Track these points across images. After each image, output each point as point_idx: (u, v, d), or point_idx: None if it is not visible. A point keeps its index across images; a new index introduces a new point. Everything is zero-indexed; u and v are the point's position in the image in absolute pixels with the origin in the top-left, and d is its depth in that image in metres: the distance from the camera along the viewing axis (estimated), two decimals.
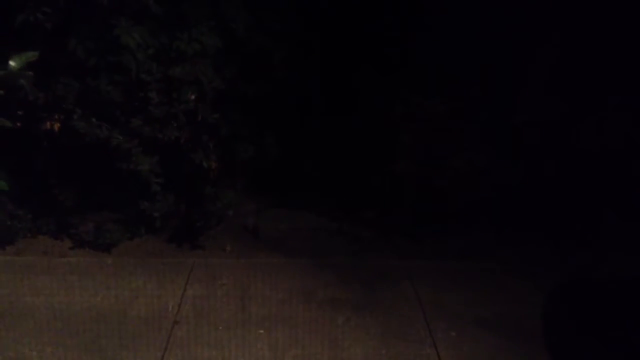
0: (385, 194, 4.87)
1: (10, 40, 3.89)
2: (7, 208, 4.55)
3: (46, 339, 3.52)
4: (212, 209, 4.66)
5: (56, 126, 4.68)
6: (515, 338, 3.71)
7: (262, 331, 3.71)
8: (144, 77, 4.32)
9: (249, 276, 4.24)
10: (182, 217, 4.68)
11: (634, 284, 4.19)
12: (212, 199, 4.66)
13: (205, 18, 4.41)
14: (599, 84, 4.81)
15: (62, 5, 4.13)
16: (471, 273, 4.40)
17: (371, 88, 4.95)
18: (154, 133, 4.45)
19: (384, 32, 4.92)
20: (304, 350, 3.55)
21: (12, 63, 1.92)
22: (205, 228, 4.68)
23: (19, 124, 4.54)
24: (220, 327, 3.73)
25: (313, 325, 3.78)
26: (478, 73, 4.79)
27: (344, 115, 4.91)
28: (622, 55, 4.76)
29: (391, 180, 4.87)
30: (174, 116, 4.45)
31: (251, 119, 4.80)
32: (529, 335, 3.74)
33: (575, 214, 4.71)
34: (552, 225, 4.68)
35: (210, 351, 3.52)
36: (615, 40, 4.75)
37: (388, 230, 4.79)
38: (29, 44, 3.39)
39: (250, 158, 4.82)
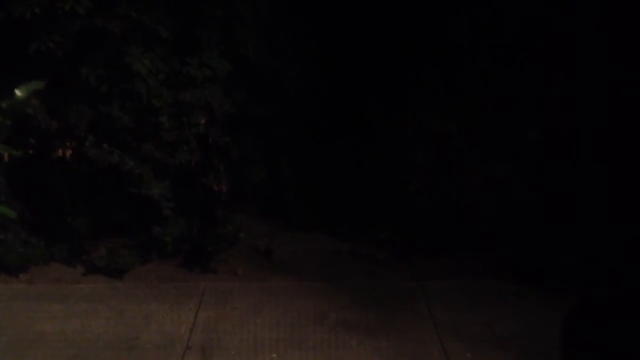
0: (399, 214, 4.83)
1: (22, 69, 3.96)
2: (20, 235, 4.57)
3: None
4: (223, 232, 4.65)
5: (68, 153, 4.72)
6: (532, 358, 3.62)
7: (274, 355, 3.66)
8: (154, 103, 4.35)
9: (261, 300, 4.21)
10: (194, 241, 4.67)
11: None
12: (223, 222, 4.65)
13: (215, 42, 4.45)
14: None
15: (74, 34, 4.18)
16: (487, 292, 4.33)
17: (383, 108, 4.94)
18: (165, 158, 4.47)
19: (394, 53, 4.92)
20: None
21: (17, 92, 1.92)
22: (217, 252, 4.66)
23: (31, 152, 4.60)
24: (233, 352, 3.70)
25: (326, 349, 3.73)
26: (490, 89, 4.78)
27: (356, 136, 4.89)
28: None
29: (405, 200, 4.83)
30: (184, 140, 4.47)
31: (262, 141, 4.81)
32: (547, 356, 3.65)
33: (596, 229, 4.62)
34: (572, 240, 4.61)
35: None
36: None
37: (403, 250, 4.74)
38: (41, 71, 3.43)
39: (261, 181, 4.82)
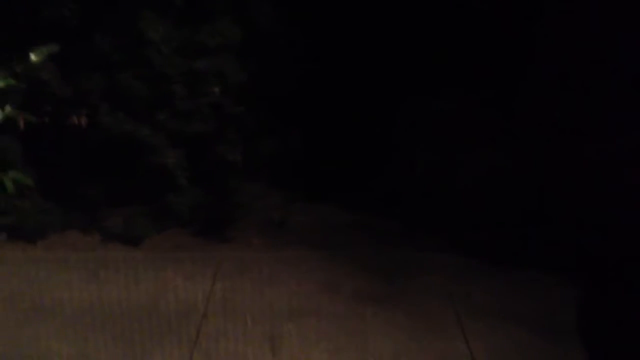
0: (410, 190, 4.82)
1: (36, 35, 3.91)
2: (38, 203, 4.60)
3: (77, 333, 3.55)
4: (238, 202, 4.66)
5: (83, 121, 4.71)
6: (548, 333, 3.64)
7: (291, 324, 3.70)
8: (168, 71, 4.32)
9: (277, 269, 4.23)
10: (209, 210, 4.68)
11: None
12: (237, 192, 4.66)
13: (228, 10, 4.38)
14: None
15: (87, 1, 4.13)
16: (501, 268, 4.33)
17: (391, 90, 4.89)
18: (179, 126, 4.46)
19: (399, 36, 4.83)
20: (333, 344, 3.53)
21: (32, 56, 1.89)
22: (232, 221, 4.68)
23: (46, 119, 4.59)
24: (249, 321, 3.73)
25: (342, 319, 3.76)
26: (488, 71, 4.72)
27: (368, 109, 4.85)
28: None
29: (419, 174, 4.82)
30: (198, 110, 4.44)
31: (276, 112, 4.77)
32: (563, 330, 3.67)
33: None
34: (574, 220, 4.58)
35: (239, 345, 3.52)
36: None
37: (416, 224, 4.74)
38: (55, 39, 3.39)
39: (275, 151, 4.80)
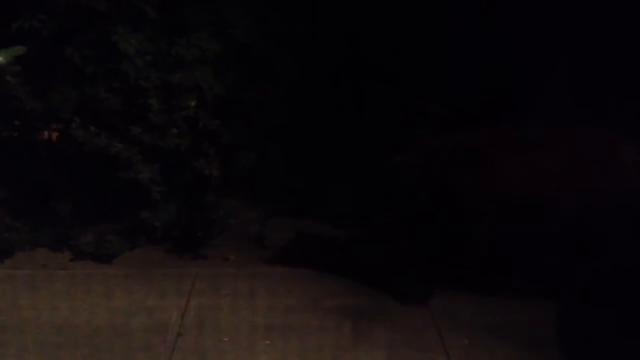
0: (394, 202, 4.77)
1: (4, 46, 3.84)
2: (5, 220, 4.47)
3: (47, 353, 3.43)
4: (214, 218, 4.57)
5: (54, 135, 4.61)
6: (530, 346, 3.60)
7: (268, 342, 3.60)
8: (142, 84, 4.25)
9: (253, 286, 4.14)
10: (184, 227, 4.58)
11: None
12: (214, 208, 4.57)
13: (204, 23, 4.35)
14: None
15: (59, 13, 4.06)
16: (481, 279, 4.29)
17: (379, 94, 4.87)
18: (154, 141, 4.38)
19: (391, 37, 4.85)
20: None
21: None
22: (208, 237, 4.58)
23: (15, 134, 4.49)
24: (225, 339, 3.63)
25: (320, 335, 3.67)
26: (489, 79, 4.74)
27: (350, 122, 4.82)
28: None
29: (398, 188, 4.78)
30: (174, 123, 4.38)
31: (253, 125, 4.72)
32: (545, 343, 3.63)
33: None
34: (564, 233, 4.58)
35: None
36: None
37: (396, 238, 4.68)
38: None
39: (252, 166, 4.74)
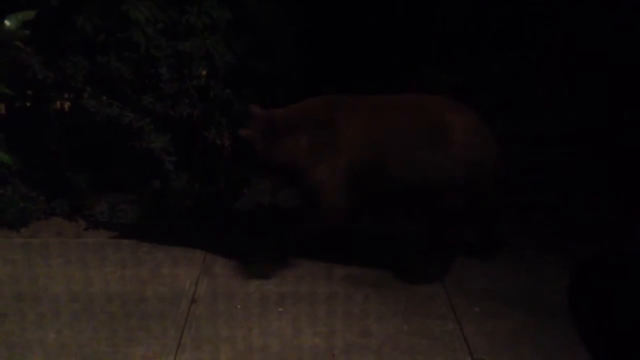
0: None
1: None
2: (20, 190, 4.50)
3: (63, 320, 3.48)
4: (226, 187, 4.59)
5: (67, 105, 4.62)
6: (540, 314, 3.61)
7: (281, 309, 3.64)
8: (153, 53, 4.23)
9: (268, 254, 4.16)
10: (197, 196, 4.60)
11: None
12: (225, 177, 4.58)
13: None
14: None
15: None
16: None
17: (386, 66, 4.83)
18: (165, 110, 4.37)
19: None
20: (325, 327, 3.48)
21: (7, 22, 1.80)
22: (220, 206, 4.60)
23: (29, 104, 4.50)
24: (239, 306, 3.67)
25: (333, 303, 3.71)
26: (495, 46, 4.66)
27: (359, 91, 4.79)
28: None
29: None
30: (185, 93, 4.36)
31: (264, 95, 4.69)
32: (555, 312, 3.64)
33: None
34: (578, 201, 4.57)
35: (229, 330, 3.46)
36: None
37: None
38: (34, 21, 3.31)
39: None
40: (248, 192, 4.68)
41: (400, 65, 5.00)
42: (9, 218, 4.45)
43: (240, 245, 4.30)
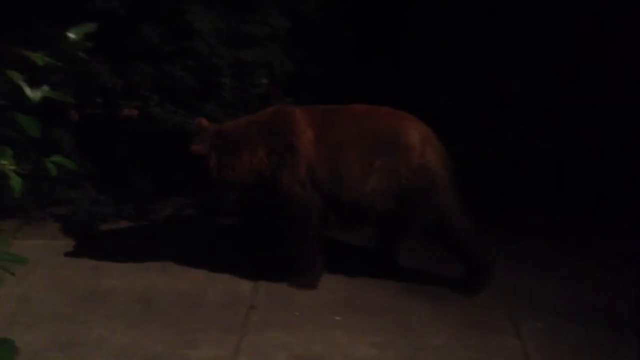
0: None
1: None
2: (90, 194, 4.68)
3: (127, 321, 3.59)
4: None
5: (134, 112, 4.78)
6: (604, 330, 3.47)
7: (338, 318, 3.64)
8: (216, 62, 4.32)
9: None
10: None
11: None
12: None
13: (274, 0, 4.36)
14: None
15: None
16: (555, 260, 4.15)
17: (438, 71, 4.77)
18: (227, 118, 4.45)
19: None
20: (381, 338, 3.45)
21: (70, 35, 1.88)
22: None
23: (98, 111, 4.69)
24: (297, 313, 3.69)
25: (390, 313, 3.68)
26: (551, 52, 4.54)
27: (415, 96, 4.75)
28: None
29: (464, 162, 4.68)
30: (246, 101, 4.43)
31: (322, 101, 4.71)
32: (622, 327, 3.48)
33: None
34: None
35: (286, 336, 3.48)
36: None
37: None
38: (105, 30, 3.44)
39: None
40: None
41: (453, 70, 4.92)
42: (79, 221, 4.63)
43: None
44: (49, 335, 3.39)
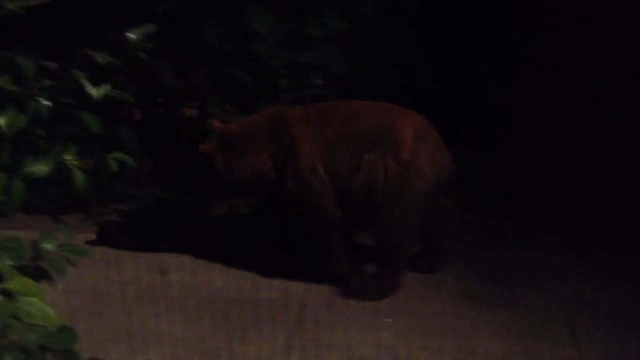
0: (523, 183, 4.57)
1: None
2: (152, 190, 4.83)
3: (185, 315, 3.67)
4: None
5: (194, 112, 4.90)
6: None
7: (390, 320, 3.62)
8: (273, 64, 4.38)
9: None
10: None
11: None
12: None
13: (332, 2, 4.38)
14: None
15: None
16: (619, 270, 4.00)
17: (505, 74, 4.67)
18: None
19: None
20: (433, 343, 3.41)
21: (130, 35, 1.97)
22: None
23: (159, 110, 4.83)
24: (348, 314, 3.69)
25: (443, 317, 3.63)
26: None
27: (477, 101, 4.67)
28: None
29: (530, 168, 4.57)
30: (302, 102, 4.48)
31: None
32: None
33: None
34: None
35: (338, 337, 3.49)
36: None
37: (526, 221, 4.49)
38: (166, 32, 3.54)
39: None
40: None
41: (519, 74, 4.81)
42: (140, 217, 4.77)
43: (354, 253, 4.33)
44: (109, 326, 3.51)
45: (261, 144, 3.81)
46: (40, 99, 1.84)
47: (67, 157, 1.88)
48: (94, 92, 1.86)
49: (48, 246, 1.88)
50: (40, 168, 1.82)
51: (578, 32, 4.57)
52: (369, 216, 3.76)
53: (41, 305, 1.66)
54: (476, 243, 4.43)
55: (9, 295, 1.64)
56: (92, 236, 4.47)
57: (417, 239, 3.89)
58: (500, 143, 4.68)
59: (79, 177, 1.90)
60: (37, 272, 1.86)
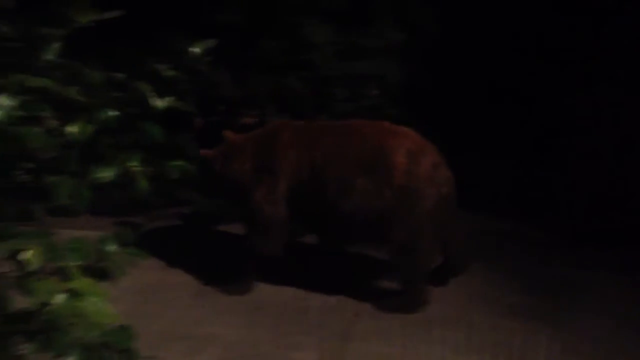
0: (568, 197, 4.48)
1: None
2: (211, 197, 4.93)
3: (237, 320, 3.75)
4: None
5: (253, 121, 5.02)
6: None
7: (439, 332, 3.60)
8: (329, 74, 4.44)
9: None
10: None
11: None
12: None
13: (388, 13, 4.41)
14: None
15: (255, 8, 4.40)
16: None
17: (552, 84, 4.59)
18: None
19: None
20: (483, 356, 3.37)
21: (193, 49, 2.09)
22: None
23: (218, 118, 4.97)
24: (400, 325, 3.68)
25: (494, 332, 3.58)
26: None
27: (526, 111, 4.61)
28: None
29: (573, 181, 4.47)
30: (357, 112, 4.51)
31: (433, 113, 4.69)
32: None
33: None
34: None
35: (388, 347, 3.49)
36: None
37: (571, 237, 4.39)
38: (226, 43, 3.66)
39: None
40: None
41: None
42: (199, 221, 4.91)
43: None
44: (165, 327, 3.62)
45: (247, 156, 4.03)
46: (107, 109, 1.96)
47: (132, 164, 1.99)
48: (159, 103, 1.97)
49: (111, 247, 1.98)
50: (106, 174, 1.93)
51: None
52: (374, 233, 3.77)
53: (103, 304, 1.75)
54: (523, 257, 4.37)
55: (73, 294, 1.74)
56: (153, 239, 4.63)
57: (434, 254, 3.87)
58: (547, 158, 4.60)
59: (142, 182, 2.00)
60: (100, 272, 1.94)
